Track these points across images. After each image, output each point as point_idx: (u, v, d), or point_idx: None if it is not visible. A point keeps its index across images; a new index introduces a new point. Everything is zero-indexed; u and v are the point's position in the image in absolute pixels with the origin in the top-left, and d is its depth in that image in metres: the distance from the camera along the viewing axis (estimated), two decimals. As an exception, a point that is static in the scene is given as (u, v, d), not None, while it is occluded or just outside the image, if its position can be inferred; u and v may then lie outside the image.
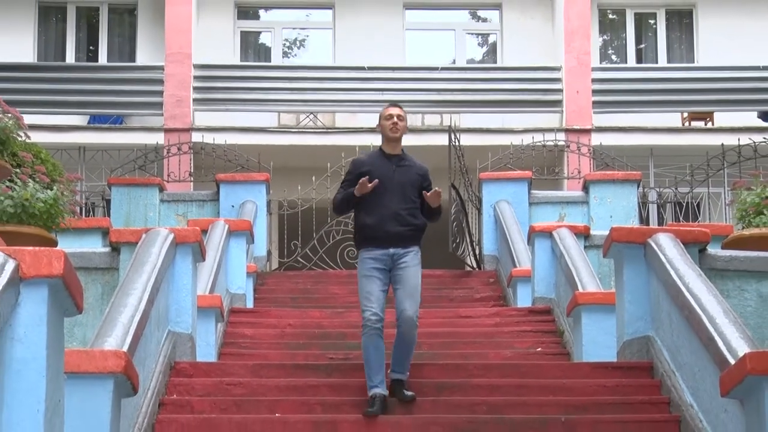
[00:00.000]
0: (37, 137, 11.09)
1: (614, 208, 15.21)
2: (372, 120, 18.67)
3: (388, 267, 8.08)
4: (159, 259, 8.02)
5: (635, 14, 21.46)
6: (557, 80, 20.06)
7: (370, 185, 8.05)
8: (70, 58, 20.95)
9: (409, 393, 7.84)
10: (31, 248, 4.83)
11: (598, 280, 10.30)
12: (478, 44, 21.93)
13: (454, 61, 21.31)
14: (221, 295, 10.32)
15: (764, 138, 16.11)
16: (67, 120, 19.84)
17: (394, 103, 8.53)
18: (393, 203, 8.13)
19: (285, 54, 21.59)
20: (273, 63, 21.05)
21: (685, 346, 7.42)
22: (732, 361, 6.00)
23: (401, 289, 8.03)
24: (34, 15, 20.88)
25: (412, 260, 8.10)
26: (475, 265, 15.43)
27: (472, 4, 21.53)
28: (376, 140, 15.03)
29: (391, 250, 8.07)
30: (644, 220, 16.58)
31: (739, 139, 16.57)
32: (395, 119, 8.27)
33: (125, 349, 6.27)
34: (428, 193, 8.19)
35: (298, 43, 21.89)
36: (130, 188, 15.68)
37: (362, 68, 19.96)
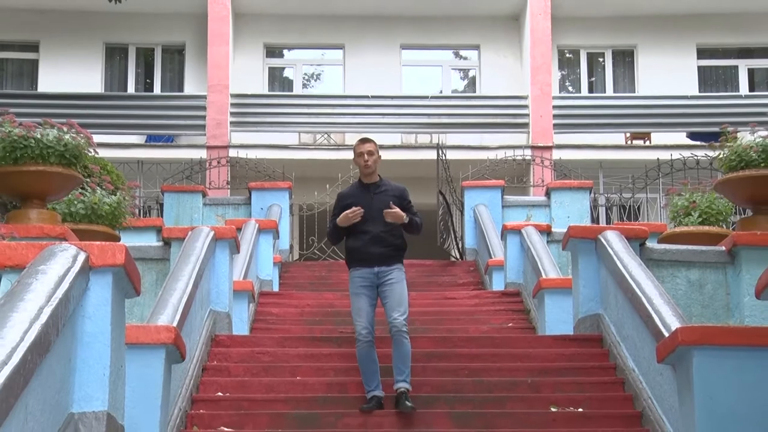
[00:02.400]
0: (104, 153, 11.10)
1: (571, 210, 15.17)
2: (375, 138, 18.77)
3: (374, 284, 7.43)
4: (202, 251, 8.01)
5: (587, 54, 21.42)
6: (525, 107, 20.02)
7: (352, 215, 7.46)
8: (131, 88, 20.93)
9: (410, 404, 7.03)
10: (98, 243, 4.83)
11: (558, 268, 10.29)
12: (461, 77, 21.89)
13: (441, 91, 21.27)
14: (253, 281, 10.31)
15: (692, 154, 16.08)
16: (128, 139, 19.83)
17: (365, 139, 7.74)
18: (374, 227, 7.47)
19: (304, 85, 21.56)
20: (294, 93, 21.02)
21: (628, 322, 7.41)
22: (666, 334, 6.00)
23: (389, 302, 7.38)
24: (102, 54, 20.85)
25: (396, 277, 7.45)
26: (458, 257, 15.40)
27: (455, 45, 21.48)
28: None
29: (376, 269, 7.43)
30: (595, 219, 16.56)
31: (671, 155, 16.56)
32: (365, 156, 7.57)
33: (175, 324, 6.28)
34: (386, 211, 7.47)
35: (315, 76, 21.85)
36: (179, 194, 15.66)
37: (367, 97, 19.91)
